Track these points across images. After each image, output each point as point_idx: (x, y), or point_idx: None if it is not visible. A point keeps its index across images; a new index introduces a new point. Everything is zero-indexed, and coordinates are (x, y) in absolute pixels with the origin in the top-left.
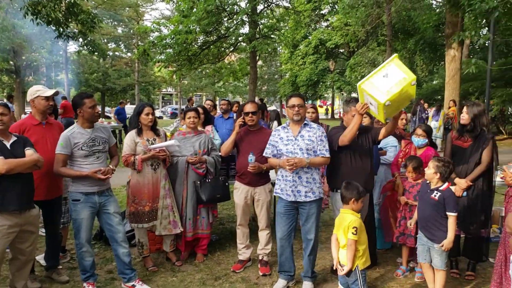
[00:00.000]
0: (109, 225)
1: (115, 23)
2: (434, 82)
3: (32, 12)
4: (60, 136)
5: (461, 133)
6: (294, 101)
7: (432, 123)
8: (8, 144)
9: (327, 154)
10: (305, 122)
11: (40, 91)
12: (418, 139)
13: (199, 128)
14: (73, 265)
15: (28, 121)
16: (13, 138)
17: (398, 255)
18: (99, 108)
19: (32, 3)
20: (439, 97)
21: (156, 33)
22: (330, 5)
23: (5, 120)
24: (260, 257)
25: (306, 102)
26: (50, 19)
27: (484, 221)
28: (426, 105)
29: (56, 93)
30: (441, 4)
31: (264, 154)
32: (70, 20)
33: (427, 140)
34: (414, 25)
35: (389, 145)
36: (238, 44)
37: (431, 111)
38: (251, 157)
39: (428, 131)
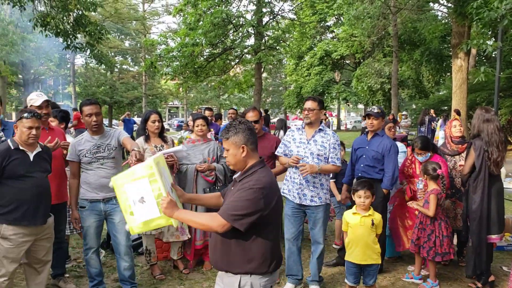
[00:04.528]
0: (114, 235)
1: (122, 36)
2: (440, 93)
3: (41, 24)
4: None
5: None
6: (306, 104)
7: (440, 133)
8: (31, 156)
9: (338, 163)
10: (321, 127)
11: (33, 99)
12: (422, 157)
13: (208, 136)
14: (79, 273)
15: None
16: (38, 149)
17: (408, 263)
18: (99, 118)
19: (41, 15)
20: (445, 107)
21: (163, 46)
22: (336, 16)
23: (38, 134)
24: None
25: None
26: (58, 30)
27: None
28: (433, 112)
29: (46, 101)
30: (447, 14)
31: (276, 153)
32: (78, 31)
33: (429, 153)
34: (420, 36)
35: (400, 151)
36: (244, 56)
37: (439, 122)
38: None
39: (425, 144)
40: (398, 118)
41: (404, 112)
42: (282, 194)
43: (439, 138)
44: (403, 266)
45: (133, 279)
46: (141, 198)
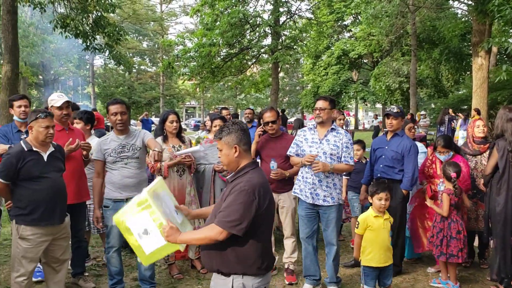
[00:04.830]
0: None
1: (140, 37)
2: (460, 92)
3: (61, 26)
4: None
5: None
6: (317, 104)
7: (460, 133)
8: (45, 156)
9: (351, 162)
10: (333, 126)
11: (54, 100)
12: (443, 156)
13: None
14: (99, 272)
15: None
16: (51, 149)
17: (428, 265)
18: (124, 117)
19: (61, 16)
20: (465, 106)
21: (180, 46)
22: (353, 15)
23: (54, 133)
24: (286, 266)
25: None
26: (78, 31)
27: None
28: (452, 111)
29: (67, 102)
30: (467, 12)
31: (287, 153)
32: (97, 32)
33: (452, 153)
34: (439, 35)
35: (419, 151)
36: (260, 55)
37: (459, 121)
38: (273, 164)
39: (448, 142)
40: (416, 118)
41: (423, 112)
42: (293, 193)
43: (459, 138)
44: (422, 268)
45: (152, 279)
46: (145, 230)
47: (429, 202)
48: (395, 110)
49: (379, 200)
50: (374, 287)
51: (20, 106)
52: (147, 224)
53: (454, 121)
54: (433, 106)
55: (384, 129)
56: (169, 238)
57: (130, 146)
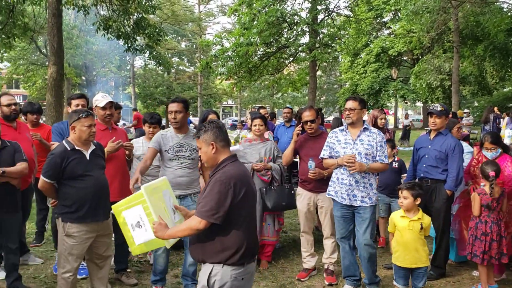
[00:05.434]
0: None
1: (179, 38)
2: (505, 89)
3: (104, 27)
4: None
5: None
6: (346, 104)
7: (506, 131)
8: (87, 154)
9: (386, 161)
10: (365, 126)
11: (97, 100)
12: (491, 153)
13: (266, 136)
14: (141, 268)
15: (96, 127)
16: (92, 147)
17: (473, 268)
18: (178, 116)
19: (103, 18)
20: (511, 104)
21: (218, 46)
22: (393, 12)
23: (96, 131)
24: (325, 266)
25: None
26: (120, 33)
27: None
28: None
29: (110, 102)
30: None
31: (320, 156)
32: (137, 34)
33: (500, 150)
34: (484, 30)
35: (465, 151)
36: (298, 54)
37: (505, 120)
38: (311, 163)
39: (496, 138)
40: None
41: (466, 110)
42: (328, 195)
43: (505, 137)
44: (467, 271)
45: (194, 275)
46: (137, 222)
47: (473, 197)
48: (438, 109)
49: (400, 198)
50: (405, 286)
51: (77, 105)
52: (140, 217)
53: (500, 119)
54: (476, 104)
55: (426, 128)
56: (157, 234)
57: (188, 146)
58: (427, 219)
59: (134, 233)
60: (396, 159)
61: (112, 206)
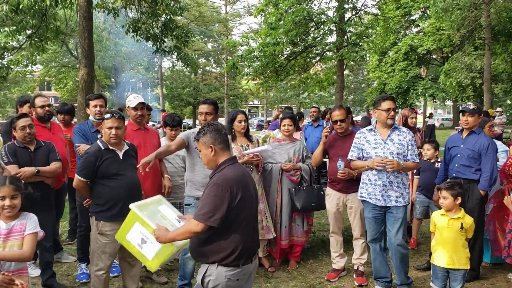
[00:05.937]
0: None
1: (205, 39)
2: None
3: (133, 29)
4: None
5: None
6: (389, 104)
7: None
8: (120, 154)
9: (417, 159)
10: (395, 125)
11: (130, 101)
12: None
13: (296, 136)
14: (171, 267)
15: (128, 127)
16: (125, 147)
17: (509, 270)
18: (208, 118)
19: (132, 21)
20: None
21: (245, 47)
22: (421, 10)
23: (119, 133)
24: (355, 267)
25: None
26: (148, 35)
27: None
28: None
29: (141, 103)
30: None
31: (348, 158)
32: (166, 35)
33: None
34: None
35: (500, 150)
36: (325, 53)
37: None
38: (340, 163)
39: None
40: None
41: (499, 109)
42: (360, 197)
43: None
44: (502, 273)
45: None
46: (142, 239)
47: (506, 201)
48: (471, 107)
49: (440, 198)
50: None
51: (95, 106)
52: (142, 233)
53: None
54: (509, 102)
55: (456, 127)
56: (160, 239)
57: None
58: (468, 219)
59: (143, 251)
60: (438, 160)
61: (115, 237)
